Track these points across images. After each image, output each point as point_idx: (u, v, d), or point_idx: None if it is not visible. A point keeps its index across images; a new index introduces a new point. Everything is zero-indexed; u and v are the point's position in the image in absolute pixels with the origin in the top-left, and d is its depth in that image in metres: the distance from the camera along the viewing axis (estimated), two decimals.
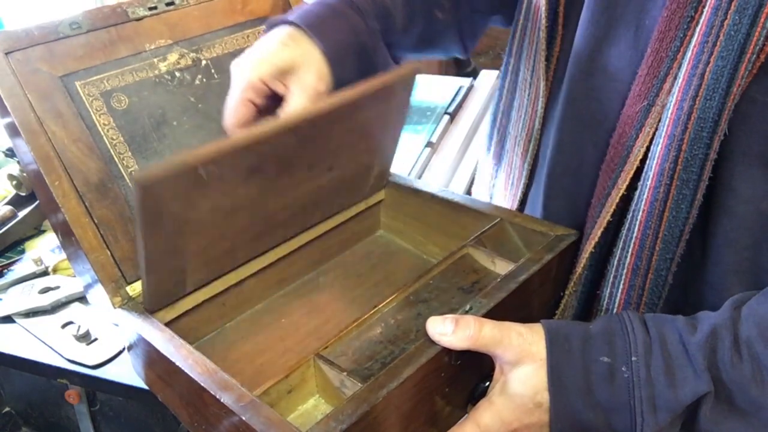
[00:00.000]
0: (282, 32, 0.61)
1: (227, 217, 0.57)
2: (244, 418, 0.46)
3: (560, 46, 0.66)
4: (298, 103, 0.60)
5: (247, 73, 0.59)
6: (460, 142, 1.25)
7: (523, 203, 0.75)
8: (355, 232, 0.79)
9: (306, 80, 0.60)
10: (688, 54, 0.51)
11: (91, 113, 0.63)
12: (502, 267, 0.64)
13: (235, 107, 0.60)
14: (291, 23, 0.62)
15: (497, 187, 0.79)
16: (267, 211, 0.62)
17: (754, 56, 0.48)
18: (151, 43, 0.68)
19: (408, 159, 1.14)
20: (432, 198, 0.75)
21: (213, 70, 0.71)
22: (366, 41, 0.65)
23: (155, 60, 0.68)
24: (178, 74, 0.69)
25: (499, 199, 0.79)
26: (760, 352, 0.46)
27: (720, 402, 0.48)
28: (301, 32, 0.61)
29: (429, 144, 1.20)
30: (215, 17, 0.72)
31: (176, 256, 0.56)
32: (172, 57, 0.69)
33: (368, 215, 0.79)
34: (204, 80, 0.70)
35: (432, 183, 0.84)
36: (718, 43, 0.49)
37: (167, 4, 0.70)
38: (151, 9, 0.68)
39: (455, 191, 0.77)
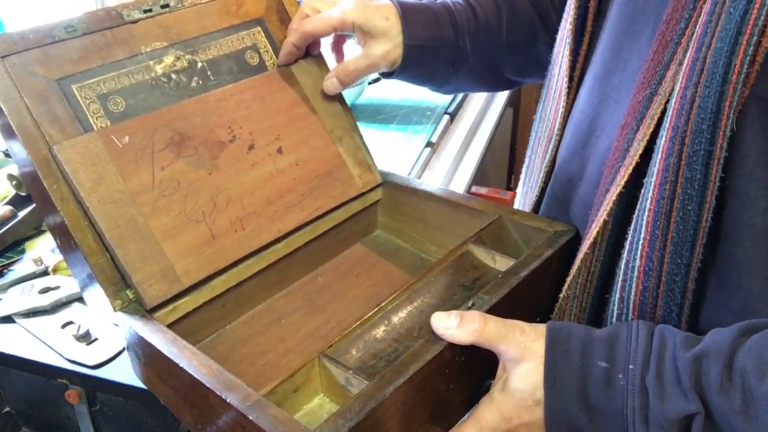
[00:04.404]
0: (389, 6, 0.74)
1: (178, 192, 0.63)
2: (251, 418, 0.46)
3: (588, 43, 0.64)
4: (358, 62, 0.74)
5: (351, 13, 0.72)
6: (460, 142, 1.26)
7: (537, 209, 0.72)
8: (352, 232, 0.79)
9: (376, 51, 0.73)
10: (695, 37, 0.47)
11: (88, 116, 0.62)
12: (502, 264, 0.64)
13: (322, 20, 0.72)
14: (400, 4, 0.74)
15: (520, 188, 0.79)
16: (229, 194, 0.66)
17: (754, 38, 0.43)
18: (146, 46, 0.68)
19: (408, 159, 1.14)
20: (430, 197, 0.75)
21: (209, 72, 0.71)
22: (447, 53, 0.76)
23: (151, 62, 0.68)
24: (174, 76, 0.68)
25: (519, 200, 0.79)
26: (753, 385, 0.44)
27: (712, 426, 0.46)
28: (400, 20, 0.73)
29: (429, 144, 1.20)
30: (210, 19, 0.72)
31: (143, 232, 0.60)
32: (168, 59, 0.69)
33: (365, 215, 0.79)
34: (200, 82, 0.70)
35: (429, 182, 0.84)
36: (720, 23, 0.44)
37: (162, 7, 0.69)
38: (146, 11, 0.68)
39: (455, 191, 0.77)
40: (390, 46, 0.73)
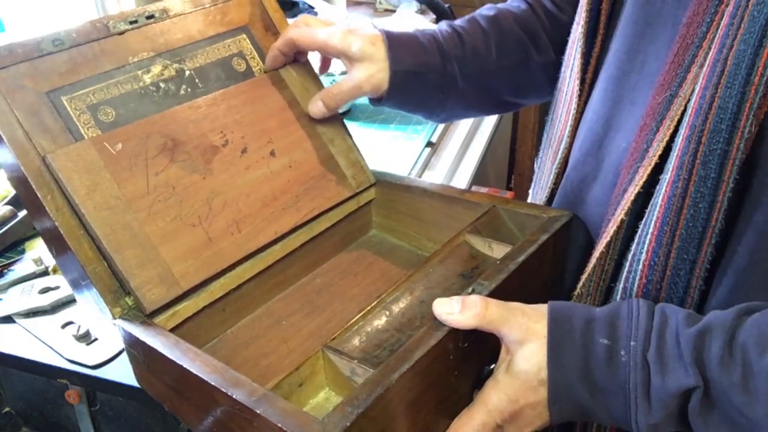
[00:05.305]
0: (376, 35, 0.73)
1: (173, 196, 0.63)
2: (259, 412, 0.46)
3: (601, 46, 0.64)
4: (341, 85, 0.75)
5: (338, 36, 0.72)
6: (460, 142, 1.26)
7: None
8: (348, 232, 0.79)
9: (359, 74, 0.73)
10: (716, 39, 0.47)
11: (79, 127, 0.63)
12: (499, 251, 0.65)
13: (309, 35, 0.73)
14: (386, 33, 0.74)
15: (531, 189, 0.79)
16: (224, 197, 0.66)
17: None
18: (134, 56, 0.68)
19: (408, 159, 1.15)
20: (423, 192, 0.76)
21: (197, 80, 0.71)
22: (435, 78, 0.75)
23: (139, 72, 0.68)
24: (162, 85, 0.69)
25: (530, 201, 0.79)
26: (753, 359, 0.44)
27: (709, 400, 0.46)
28: (385, 47, 0.73)
29: (429, 144, 1.21)
30: (196, 28, 0.73)
31: (139, 237, 0.60)
32: (156, 69, 0.69)
33: (360, 215, 0.80)
34: (189, 90, 0.70)
35: (422, 179, 0.85)
36: (742, 26, 0.45)
37: (147, 18, 0.70)
38: (131, 23, 0.69)
39: (447, 185, 0.78)
40: (374, 69, 0.73)
